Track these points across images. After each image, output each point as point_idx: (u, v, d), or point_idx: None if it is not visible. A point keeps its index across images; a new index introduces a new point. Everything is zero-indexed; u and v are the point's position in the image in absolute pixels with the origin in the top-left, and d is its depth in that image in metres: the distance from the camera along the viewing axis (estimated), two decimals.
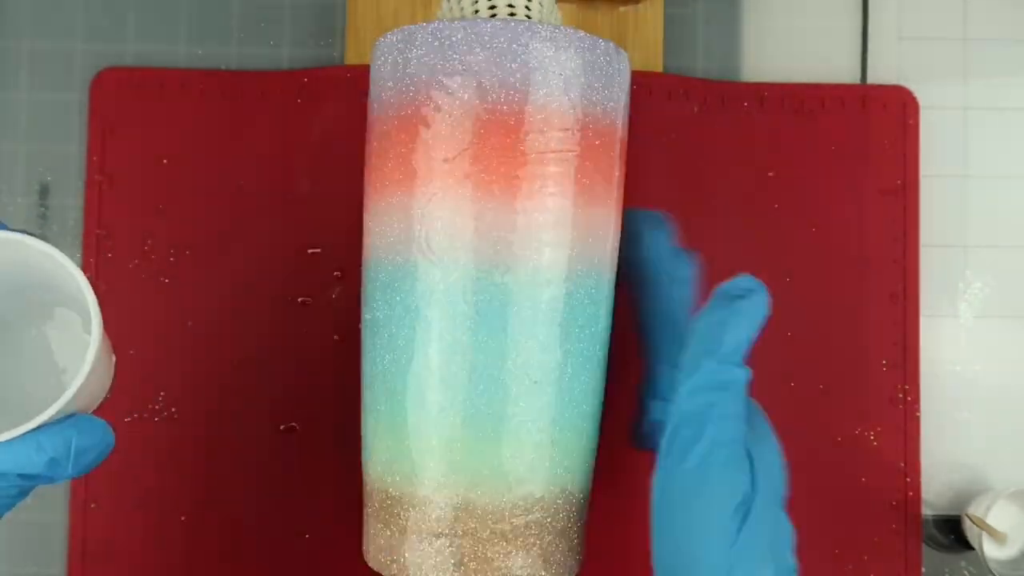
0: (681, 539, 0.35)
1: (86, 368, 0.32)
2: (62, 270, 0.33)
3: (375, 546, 0.37)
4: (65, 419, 0.33)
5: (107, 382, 0.37)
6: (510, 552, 0.36)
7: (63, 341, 0.39)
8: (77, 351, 0.32)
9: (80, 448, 0.33)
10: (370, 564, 0.38)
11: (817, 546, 0.51)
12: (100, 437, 0.34)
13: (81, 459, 0.33)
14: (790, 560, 0.37)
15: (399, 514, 0.36)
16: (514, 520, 0.36)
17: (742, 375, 0.36)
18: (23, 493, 0.34)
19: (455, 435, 0.35)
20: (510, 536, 0.36)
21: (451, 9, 0.40)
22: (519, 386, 0.35)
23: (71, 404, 0.33)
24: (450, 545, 0.35)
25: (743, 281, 0.37)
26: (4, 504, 0.34)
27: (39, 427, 0.32)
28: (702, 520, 0.35)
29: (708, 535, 0.35)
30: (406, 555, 0.36)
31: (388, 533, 0.37)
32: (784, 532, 0.37)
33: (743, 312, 0.36)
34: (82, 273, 0.33)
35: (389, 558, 0.37)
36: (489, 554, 0.35)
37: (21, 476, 0.32)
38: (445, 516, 0.35)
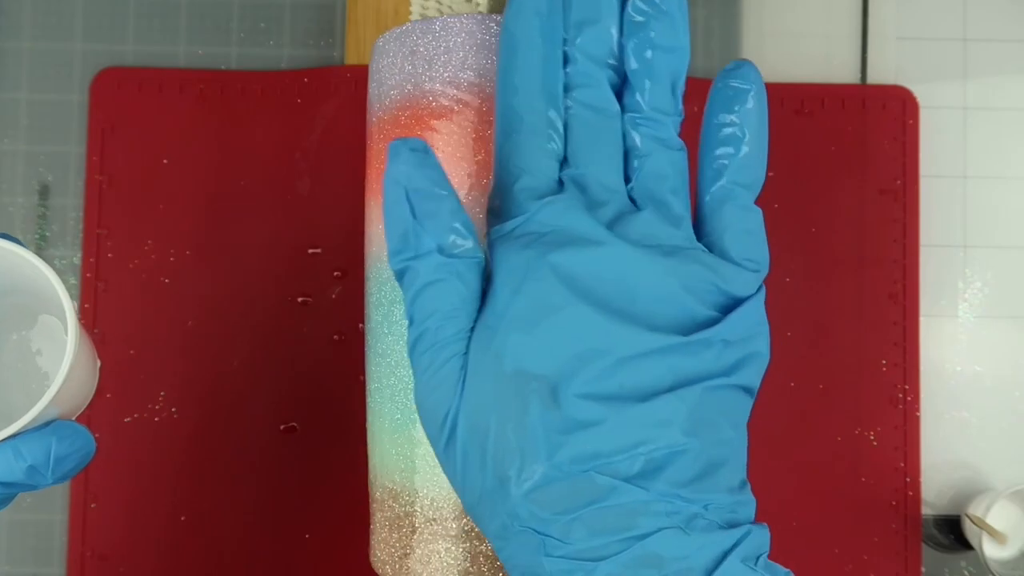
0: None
1: (62, 374, 0.32)
2: (40, 275, 0.33)
3: (383, 551, 0.37)
4: (45, 426, 0.32)
5: (90, 387, 0.37)
6: None
7: (47, 347, 0.38)
8: (60, 357, 0.32)
9: (60, 455, 0.32)
10: (377, 570, 0.38)
11: (817, 546, 0.51)
12: (80, 444, 0.33)
13: (61, 466, 0.32)
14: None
15: (407, 517, 0.36)
16: None
17: (424, 265, 0.29)
18: (4, 500, 0.33)
19: None
20: None
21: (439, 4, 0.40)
22: None
23: (50, 411, 0.32)
24: (460, 547, 0.35)
25: None
26: None
27: (17, 434, 0.31)
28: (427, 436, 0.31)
29: (436, 456, 0.30)
30: (416, 559, 0.36)
31: (396, 537, 0.36)
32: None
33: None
34: (58, 278, 0.33)
35: (398, 562, 0.36)
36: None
37: (0, 484, 0.32)
38: (454, 518, 0.35)
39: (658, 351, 0.28)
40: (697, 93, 0.53)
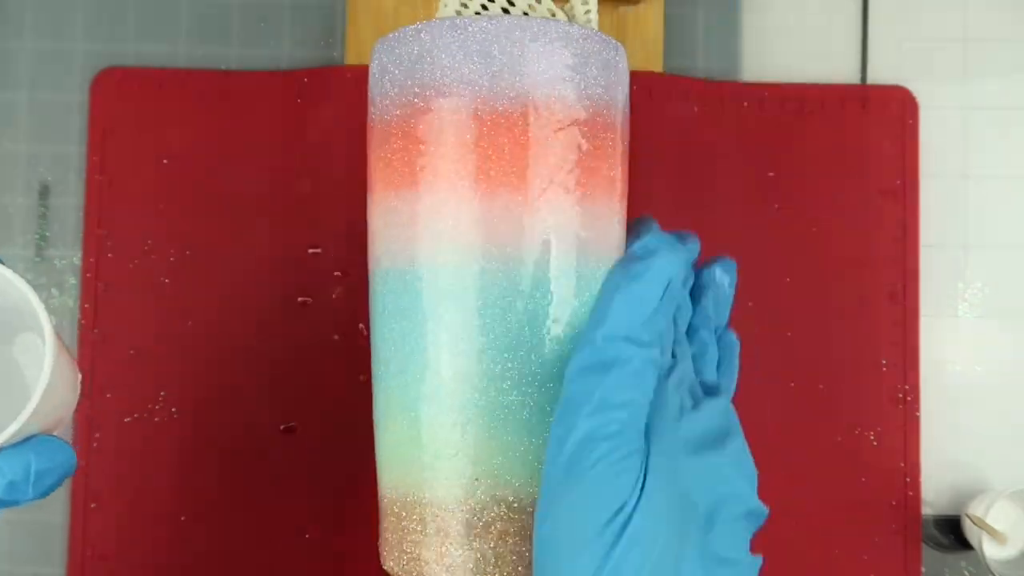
0: (549, 552, 0.29)
1: (39, 390, 0.32)
2: (18, 291, 0.33)
3: (393, 549, 0.37)
4: (25, 441, 0.33)
5: (70, 401, 0.37)
6: (531, 550, 0.36)
7: (28, 363, 0.38)
8: (40, 373, 0.32)
9: (40, 471, 0.32)
10: (387, 568, 0.38)
11: (817, 546, 0.51)
12: (60, 460, 0.33)
13: (41, 482, 0.32)
14: None
15: (418, 518, 0.36)
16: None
17: (638, 354, 0.30)
18: None
19: (470, 436, 0.35)
20: (531, 535, 0.35)
21: (447, 7, 0.40)
22: (531, 384, 0.35)
23: (30, 426, 0.32)
24: (472, 546, 0.35)
25: (651, 240, 0.33)
26: None
27: None
28: (568, 532, 0.29)
29: (574, 550, 0.29)
30: (427, 559, 0.36)
31: (407, 538, 0.36)
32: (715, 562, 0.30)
33: (638, 276, 0.31)
34: (35, 294, 0.32)
35: (409, 561, 0.36)
36: (512, 553, 0.35)
37: None
38: (465, 518, 0.35)
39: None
40: (697, 93, 0.53)
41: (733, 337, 0.39)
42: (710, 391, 0.37)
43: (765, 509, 0.33)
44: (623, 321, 0.30)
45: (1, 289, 0.33)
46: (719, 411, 0.34)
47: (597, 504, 0.29)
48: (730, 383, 0.39)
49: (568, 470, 0.29)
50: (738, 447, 0.34)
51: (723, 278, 0.38)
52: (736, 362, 0.39)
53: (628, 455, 0.29)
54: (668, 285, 0.31)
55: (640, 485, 0.29)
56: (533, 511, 0.35)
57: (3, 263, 0.33)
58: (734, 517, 0.31)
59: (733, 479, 0.32)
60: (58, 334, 0.34)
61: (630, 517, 0.28)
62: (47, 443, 0.33)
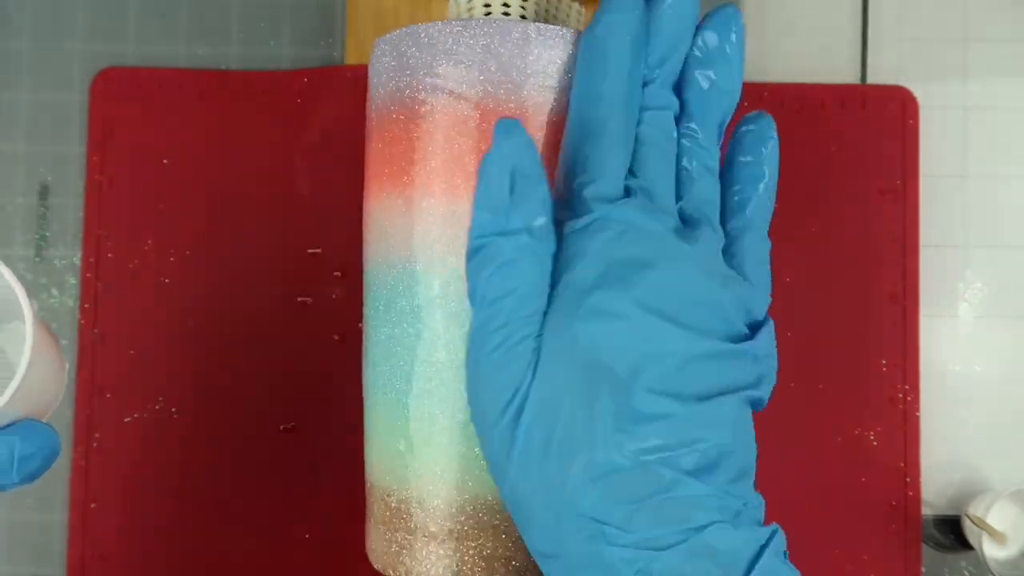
0: (477, 441, 0.31)
1: (20, 374, 0.32)
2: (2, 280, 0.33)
3: (379, 547, 0.37)
4: (9, 425, 0.33)
5: (55, 387, 0.37)
6: (516, 551, 0.36)
7: (14, 351, 0.38)
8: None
9: (24, 455, 0.32)
10: (375, 564, 0.38)
11: (817, 546, 0.51)
12: (44, 442, 0.33)
13: (25, 466, 0.33)
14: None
15: (403, 516, 0.36)
16: None
17: (506, 243, 0.30)
18: None
19: (458, 436, 0.35)
20: (516, 536, 0.36)
21: (455, 9, 0.40)
22: None
23: (14, 410, 0.32)
24: (456, 546, 0.35)
25: (502, 125, 0.31)
26: None
27: None
28: (480, 421, 0.31)
29: (486, 436, 0.30)
30: (412, 557, 0.36)
31: (392, 535, 0.37)
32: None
33: (484, 168, 0.30)
34: (15, 277, 0.33)
35: (394, 559, 0.37)
36: (495, 554, 0.35)
37: None
38: (450, 517, 0.35)
39: (715, 356, 0.30)
40: None
41: (763, 124, 0.35)
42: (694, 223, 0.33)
43: (713, 347, 0.30)
44: (485, 217, 0.30)
45: None
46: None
47: (495, 391, 0.30)
48: (712, 213, 0.34)
49: (472, 365, 0.31)
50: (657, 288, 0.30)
51: (714, 38, 0.34)
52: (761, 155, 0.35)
53: (518, 342, 0.30)
54: (512, 171, 0.30)
55: (532, 367, 0.29)
56: None
57: None
58: (662, 374, 0.29)
59: (658, 339, 0.29)
60: (45, 323, 0.34)
61: (526, 396, 0.29)
62: (31, 427, 0.33)
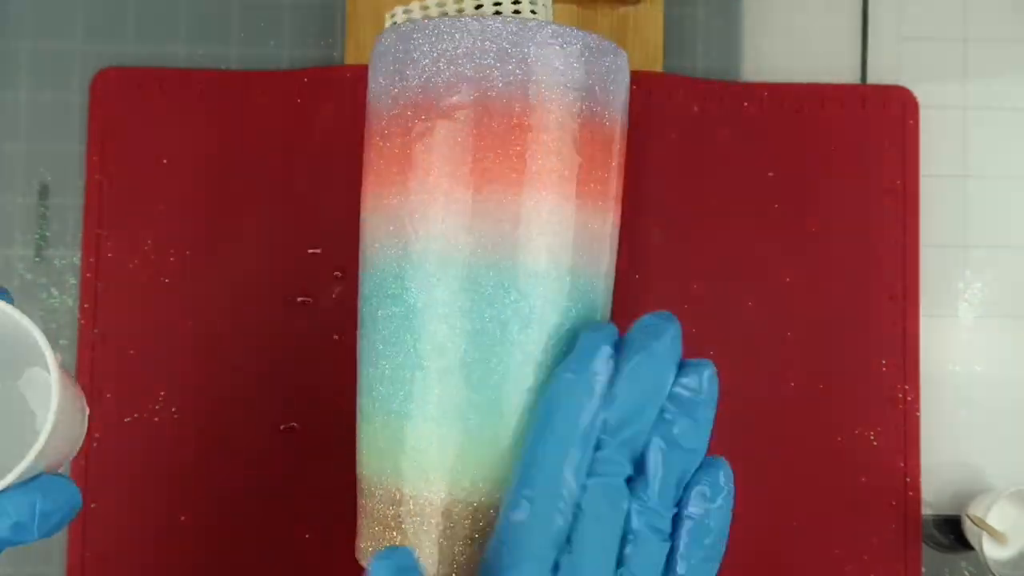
0: None
1: (45, 431, 0.32)
2: (19, 327, 0.33)
3: (371, 547, 0.37)
4: (31, 481, 0.33)
5: (77, 436, 0.37)
6: None
7: (35, 399, 0.38)
8: (47, 408, 0.33)
9: (44, 511, 0.32)
10: (362, 562, 0.38)
11: (817, 546, 0.51)
12: (65, 499, 0.33)
13: (46, 522, 0.32)
14: None
15: (393, 516, 0.36)
16: None
17: None
18: None
19: (450, 435, 0.35)
20: None
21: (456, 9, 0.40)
22: (516, 386, 0.35)
23: (36, 466, 0.32)
24: (446, 545, 0.35)
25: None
26: None
27: (2, 491, 0.32)
28: None
29: None
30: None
31: (384, 535, 0.37)
32: None
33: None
34: (40, 332, 0.33)
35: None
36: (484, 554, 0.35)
37: None
38: (440, 516, 0.35)
39: None
40: (697, 93, 0.54)
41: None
42: None
43: None
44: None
45: (6, 325, 0.33)
46: None
47: None
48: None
49: None
50: None
51: (683, 395, 0.34)
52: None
53: None
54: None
55: None
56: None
57: (8, 297, 0.33)
58: None
59: None
60: (65, 369, 0.33)
61: None
62: (53, 483, 0.33)
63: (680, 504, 0.33)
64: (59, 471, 0.35)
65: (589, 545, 0.32)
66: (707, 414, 0.33)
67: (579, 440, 0.32)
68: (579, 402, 0.32)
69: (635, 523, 0.33)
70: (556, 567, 0.32)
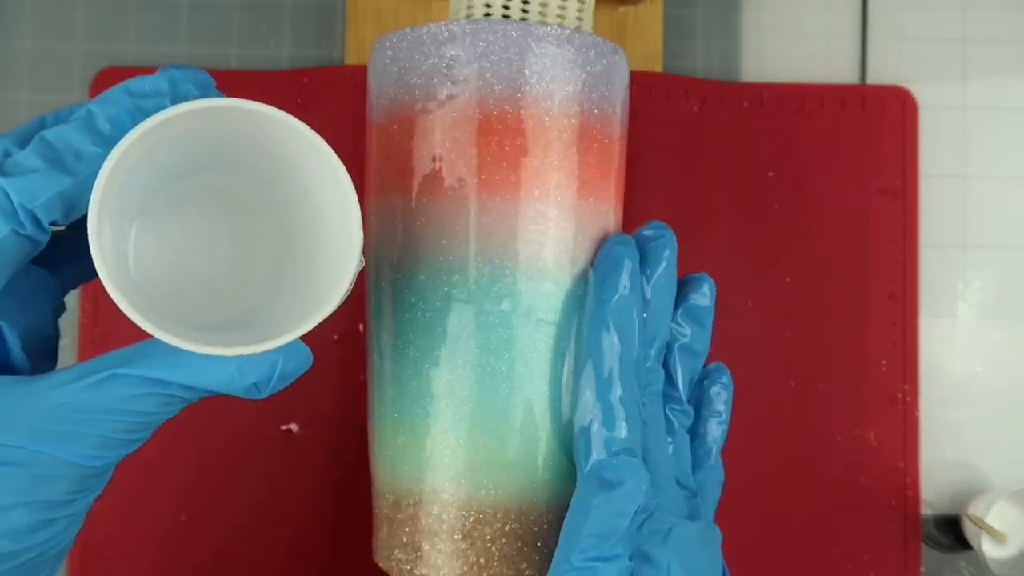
0: None
1: (343, 290, 0.28)
2: (301, 144, 0.28)
3: (386, 549, 0.37)
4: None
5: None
6: (525, 552, 0.36)
7: (288, 235, 0.32)
8: (314, 253, 0.28)
9: (284, 373, 0.30)
10: (379, 563, 0.38)
11: (817, 546, 0.51)
12: (302, 360, 0.30)
13: (282, 383, 0.30)
14: None
15: (410, 518, 0.36)
16: (529, 520, 0.36)
17: (608, 568, 0.32)
18: (188, 405, 0.31)
19: (466, 437, 0.35)
20: (525, 537, 0.35)
21: (455, 10, 0.40)
22: (527, 386, 0.35)
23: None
24: (462, 548, 0.35)
25: (621, 464, 0.33)
26: (164, 414, 0.32)
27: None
28: None
29: None
30: (418, 559, 0.36)
31: (400, 537, 0.36)
32: None
33: (607, 503, 0.32)
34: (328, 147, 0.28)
35: (402, 561, 0.37)
36: (504, 555, 0.35)
37: (206, 391, 0.30)
38: (456, 519, 0.35)
39: None
40: (697, 94, 0.54)
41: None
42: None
43: None
44: (593, 543, 0.32)
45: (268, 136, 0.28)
46: None
47: None
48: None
49: None
50: None
51: (690, 303, 0.38)
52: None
53: None
54: (636, 509, 0.33)
55: None
56: (525, 515, 0.35)
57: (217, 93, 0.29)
58: None
59: None
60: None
61: None
62: (295, 345, 0.30)
63: (698, 402, 0.38)
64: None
65: (655, 453, 0.35)
66: (711, 321, 0.37)
67: (640, 353, 0.35)
68: (638, 315, 0.35)
69: (673, 423, 0.37)
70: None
